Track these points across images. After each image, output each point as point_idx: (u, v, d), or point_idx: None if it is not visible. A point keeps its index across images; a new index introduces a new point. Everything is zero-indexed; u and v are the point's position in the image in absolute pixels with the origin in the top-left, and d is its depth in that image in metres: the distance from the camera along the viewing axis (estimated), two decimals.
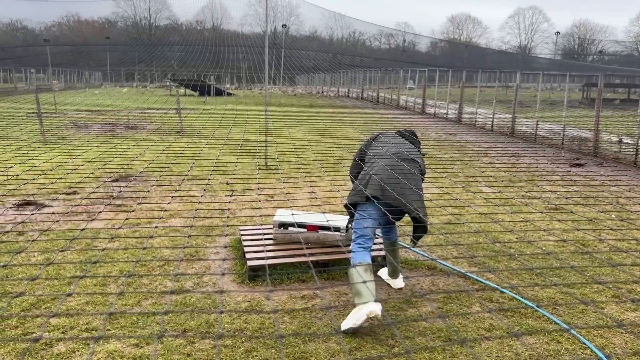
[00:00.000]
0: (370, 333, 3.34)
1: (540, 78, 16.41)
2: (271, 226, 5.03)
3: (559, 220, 5.97)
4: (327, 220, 4.64)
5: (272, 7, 70.50)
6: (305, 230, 4.68)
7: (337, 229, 4.63)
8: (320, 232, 4.65)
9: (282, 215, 4.80)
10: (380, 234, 4.12)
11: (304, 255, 4.43)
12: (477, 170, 9.03)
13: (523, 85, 26.09)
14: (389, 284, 4.17)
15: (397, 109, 25.62)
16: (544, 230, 5.63)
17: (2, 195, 6.60)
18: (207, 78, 44.10)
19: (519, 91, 16.04)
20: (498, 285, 4.14)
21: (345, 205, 3.92)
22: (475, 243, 5.22)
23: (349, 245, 4.60)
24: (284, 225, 4.71)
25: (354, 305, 3.34)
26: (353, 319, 3.25)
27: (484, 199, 7.05)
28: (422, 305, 3.80)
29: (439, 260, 4.62)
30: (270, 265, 4.30)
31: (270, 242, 4.73)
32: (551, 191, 7.39)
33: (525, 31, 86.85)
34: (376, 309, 3.20)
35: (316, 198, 6.85)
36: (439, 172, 8.51)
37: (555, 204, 6.68)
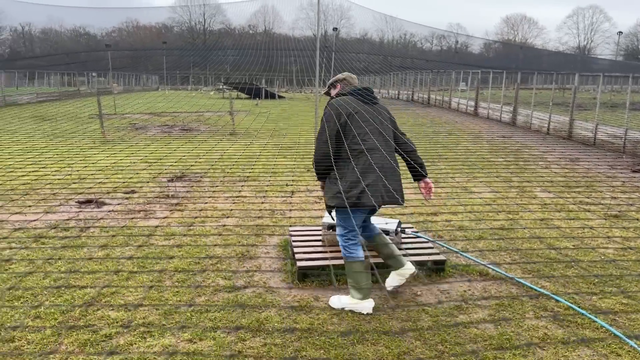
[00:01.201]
0: (419, 337, 3.32)
1: (600, 80, 15.73)
2: (320, 227, 5.07)
3: (620, 228, 5.72)
4: (386, 223, 4.63)
5: (323, 11, 70.90)
6: None
7: (386, 233, 4.61)
8: None
9: (330, 216, 4.82)
10: (365, 234, 3.99)
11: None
12: (532, 175, 8.77)
13: (582, 87, 25.10)
14: (407, 278, 3.94)
15: (448, 111, 25.21)
16: (604, 238, 5.40)
17: (67, 193, 6.96)
18: (258, 81, 44.84)
19: (578, 93, 15.44)
20: (553, 293, 4.01)
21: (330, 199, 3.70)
22: (529, 249, 5.08)
23: (399, 248, 4.58)
24: (332, 227, 4.74)
25: (353, 291, 3.69)
26: (356, 304, 3.67)
27: (540, 204, 6.84)
28: (474, 312, 3.73)
29: (492, 266, 4.52)
30: (318, 267, 4.33)
31: (319, 243, 4.77)
32: (612, 197, 7.08)
33: (585, 31, 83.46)
34: (371, 306, 3.68)
35: None
36: (492, 176, 8.32)
37: (617, 211, 6.39)
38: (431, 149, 11.36)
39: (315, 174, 3.84)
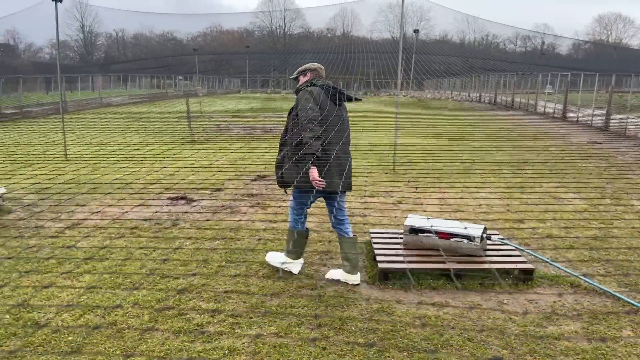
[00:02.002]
0: (506, 346, 3.23)
1: None
2: (401, 230, 5.05)
3: None
4: (465, 228, 4.55)
5: (403, 13, 70.21)
6: (436, 236, 4.63)
7: (471, 238, 4.51)
8: (453, 239, 4.57)
9: (413, 220, 4.80)
10: (337, 226, 4.34)
11: (435, 262, 4.39)
12: (627, 182, 8.22)
13: None
14: (346, 281, 4.23)
15: (534, 115, 24.13)
16: None
17: (159, 189, 7.39)
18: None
19: None
20: None
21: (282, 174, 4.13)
22: (625, 261, 4.78)
23: (483, 255, 4.47)
24: (414, 230, 4.71)
25: (289, 253, 4.38)
26: (289, 264, 4.38)
27: (636, 212, 6.41)
28: (564, 324, 3.57)
29: (584, 278, 4.30)
30: (400, 269, 4.32)
31: (400, 246, 4.75)
32: None
33: None
34: (299, 266, 4.40)
35: (446, 205, 6.73)
36: (583, 183, 7.90)
37: None
38: (517, 153, 10.95)
39: (314, 150, 3.88)
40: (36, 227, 5.63)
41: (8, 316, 3.53)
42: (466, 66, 51.82)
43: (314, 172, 3.92)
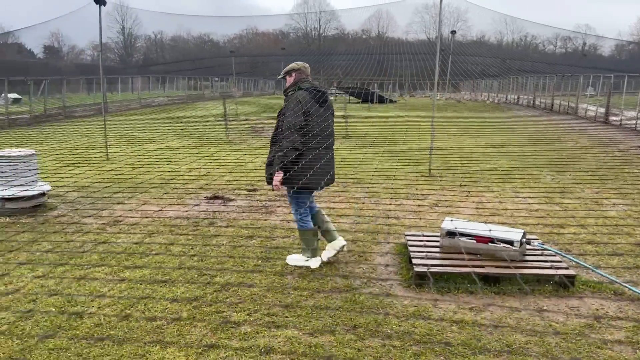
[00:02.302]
0: (546, 354, 3.15)
1: None
2: (437, 234, 5.00)
3: None
4: (504, 232, 4.47)
5: (441, 14, 69.41)
6: (474, 240, 4.56)
7: (509, 243, 4.43)
8: (491, 244, 4.50)
9: (450, 223, 4.74)
10: (310, 210, 4.66)
11: (472, 266, 4.32)
12: None
13: None
14: (338, 250, 4.63)
15: (574, 118, 23.49)
16: None
17: (197, 189, 7.52)
18: (370, 85, 45.04)
19: None
20: None
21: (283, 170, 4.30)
22: None
23: (521, 260, 4.38)
24: (451, 233, 4.65)
25: (305, 252, 4.60)
26: (306, 261, 4.56)
27: None
28: (607, 332, 3.47)
29: (628, 286, 4.16)
30: (436, 273, 4.28)
31: (437, 249, 4.70)
32: None
33: None
34: (318, 263, 4.56)
35: (483, 208, 6.62)
36: (627, 188, 7.65)
37: None
38: (557, 158, 10.69)
39: (286, 160, 4.27)
40: (79, 223, 5.81)
41: (53, 309, 3.66)
42: (503, 67, 50.87)
43: (279, 176, 4.29)
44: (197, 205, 6.68)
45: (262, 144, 12.73)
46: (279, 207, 6.65)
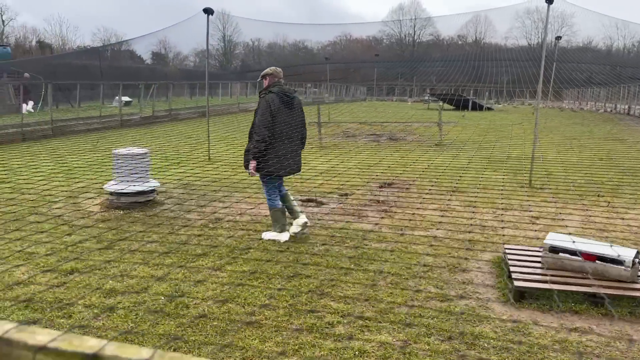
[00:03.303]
0: None
1: None
2: (538, 248, 4.77)
3: None
4: (614, 250, 4.18)
5: (542, 19, 66.06)
6: (580, 258, 4.30)
7: (619, 262, 4.13)
8: (599, 262, 4.22)
9: (554, 238, 4.51)
10: (278, 191, 5.55)
11: (578, 284, 4.08)
12: None
13: None
14: (301, 227, 5.47)
15: None
16: None
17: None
18: (465, 92, 43.81)
19: None
20: None
21: (256, 158, 5.28)
22: None
23: (635, 281, 4.08)
24: (555, 249, 4.42)
25: (275, 228, 5.48)
26: (278, 237, 5.38)
27: None
28: None
29: None
30: (537, 289, 4.09)
31: (538, 264, 4.49)
32: None
33: None
34: (286, 235, 5.40)
35: (590, 223, 6.22)
36: None
37: None
38: None
39: (256, 152, 5.26)
40: (184, 218, 6.19)
41: (163, 298, 3.94)
42: (613, 75, 47.38)
43: (253, 164, 5.27)
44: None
45: (354, 149, 12.82)
46: (371, 212, 6.67)
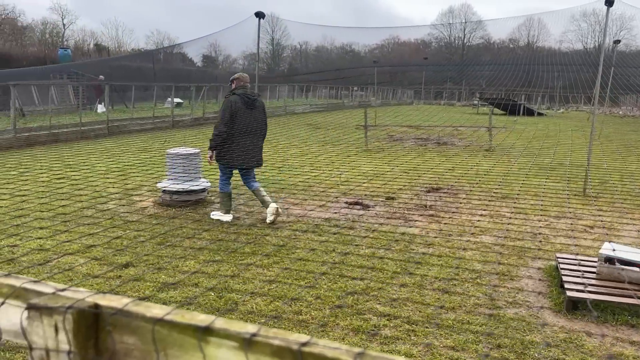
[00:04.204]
0: None
1: None
2: (594, 258, 4.62)
3: None
4: None
5: (599, 22, 63.63)
6: (638, 269, 4.14)
7: None
8: None
9: (610, 248, 4.35)
10: (246, 184, 6.41)
11: (636, 297, 3.92)
12: None
13: None
14: (274, 214, 6.06)
15: None
16: None
17: (336, 193, 7.77)
18: (516, 97, 42.71)
19: None
20: None
21: (213, 148, 6.18)
22: None
23: None
24: (611, 260, 4.27)
25: (221, 209, 6.32)
26: (222, 217, 6.24)
27: None
28: None
29: None
30: (592, 301, 3.95)
31: (592, 275, 4.34)
32: None
33: None
34: (230, 217, 6.28)
35: None
36: None
37: None
38: None
39: (213, 144, 6.13)
40: (233, 219, 6.32)
41: (212, 293, 4.04)
42: None
43: (209, 154, 6.19)
44: (338, 209, 6.89)
45: (400, 153, 12.73)
46: (417, 216, 6.62)
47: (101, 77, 25.29)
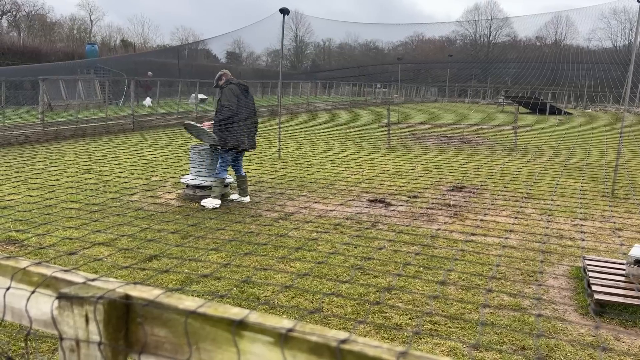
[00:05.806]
0: None
1: None
2: (622, 261, 4.51)
3: None
4: None
5: (630, 20, 62.10)
6: None
7: None
8: None
9: None
10: (234, 168, 6.95)
11: None
12: None
13: None
14: (240, 201, 6.90)
15: None
16: None
17: (358, 191, 7.74)
18: (542, 95, 41.97)
19: None
20: None
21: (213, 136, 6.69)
22: None
23: None
24: None
25: (213, 194, 6.71)
26: (212, 203, 6.60)
27: None
28: None
29: None
30: (620, 303, 3.86)
31: (621, 278, 4.24)
32: None
33: None
34: (218, 202, 6.66)
35: None
36: None
37: None
38: None
39: (222, 119, 6.57)
40: (255, 215, 6.35)
41: (235, 289, 4.06)
42: None
43: (209, 122, 6.77)
44: (360, 207, 6.87)
45: (423, 151, 12.63)
46: (440, 216, 6.55)
47: (149, 73, 25.77)
